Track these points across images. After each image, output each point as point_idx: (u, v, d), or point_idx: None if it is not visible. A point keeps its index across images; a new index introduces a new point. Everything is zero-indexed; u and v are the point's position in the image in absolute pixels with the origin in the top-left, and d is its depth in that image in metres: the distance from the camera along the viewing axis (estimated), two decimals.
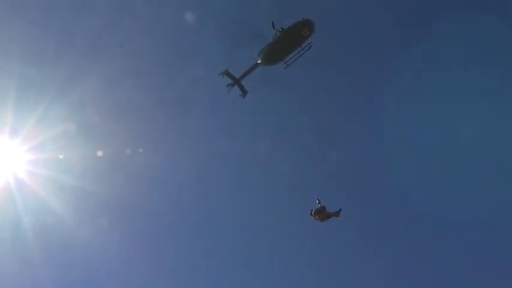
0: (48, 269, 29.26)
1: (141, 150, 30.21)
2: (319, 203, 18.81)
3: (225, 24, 27.86)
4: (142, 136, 30.42)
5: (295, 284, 30.43)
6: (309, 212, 18.90)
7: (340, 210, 18.81)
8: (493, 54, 30.49)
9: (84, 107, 29.03)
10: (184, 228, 32.09)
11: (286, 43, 23.06)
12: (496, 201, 28.55)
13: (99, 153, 29.41)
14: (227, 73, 23.76)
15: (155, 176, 30.29)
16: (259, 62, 23.85)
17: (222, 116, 30.79)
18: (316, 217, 18.80)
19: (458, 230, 29.17)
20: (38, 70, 27.69)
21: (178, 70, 30.45)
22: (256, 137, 31.35)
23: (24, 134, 27.47)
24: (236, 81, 23.82)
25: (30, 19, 28.31)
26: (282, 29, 23.31)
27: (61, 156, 28.71)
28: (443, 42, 30.30)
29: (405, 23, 31.20)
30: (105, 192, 29.50)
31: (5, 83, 26.67)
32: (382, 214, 31.22)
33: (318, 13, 23.58)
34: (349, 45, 29.92)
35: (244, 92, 23.90)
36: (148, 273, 30.70)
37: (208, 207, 31.30)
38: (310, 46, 23.26)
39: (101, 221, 29.90)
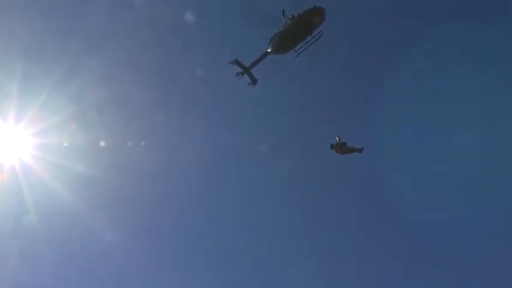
0: (51, 254, 29.46)
1: (143, 142, 30.35)
2: (339, 139, 19.69)
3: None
4: (146, 127, 30.61)
5: (295, 283, 30.76)
6: (330, 146, 19.91)
7: (363, 148, 19.80)
8: (493, 55, 30.46)
9: (89, 95, 28.83)
10: (187, 220, 32.42)
11: (297, 31, 22.54)
12: (496, 201, 28.86)
13: (103, 141, 29.59)
14: (236, 62, 23.21)
15: (158, 166, 30.44)
16: (269, 50, 23.30)
17: (224, 112, 30.94)
18: (338, 150, 19.78)
19: (457, 230, 29.46)
20: (43, 59, 27.64)
21: (184, 62, 30.38)
22: (259, 133, 31.66)
23: (28, 119, 27.45)
24: (246, 70, 23.32)
25: (33, 7, 28.12)
26: (292, 16, 22.79)
27: (65, 143, 28.74)
28: (444, 42, 30.27)
29: (405, 22, 31.12)
30: (108, 178, 29.73)
31: (10, 70, 26.44)
32: (381, 214, 31.61)
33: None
34: (348, 45, 29.75)
35: (254, 81, 23.36)
36: (149, 262, 31.11)
37: (211, 201, 31.62)
38: (322, 34, 22.71)
39: (104, 206, 30.16)
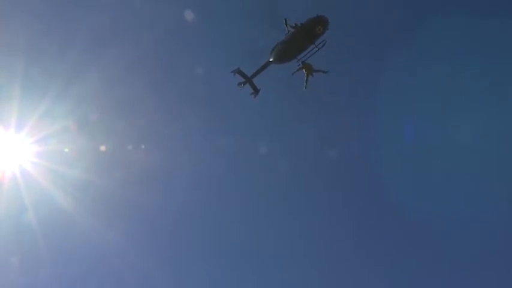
0: (53, 262, 29.71)
1: (143, 146, 30.37)
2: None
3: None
4: (147, 132, 30.59)
5: (294, 283, 30.85)
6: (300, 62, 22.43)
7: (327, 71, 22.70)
8: (493, 55, 30.18)
9: (90, 101, 28.81)
10: (187, 223, 32.50)
11: (300, 40, 22.24)
12: (496, 201, 28.85)
13: (103, 148, 29.56)
14: (239, 71, 23.07)
15: (159, 170, 30.50)
16: (271, 60, 23.06)
17: (224, 114, 30.76)
18: (304, 68, 22.44)
19: (457, 230, 29.44)
20: (44, 65, 27.41)
21: (184, 66, 30.05)
22: (258, 135, 31.52)
23: (29, 127, 27.38)
24: (248, 80, 23.20)
25: (34, 14, 27.75)
26: (295, 25, 22.42)
27: (66, 150, 28.67)
28: (443, 42, 30.04)
29: (404, 22, 30.68)
30: (108, 184, 29.79)
31: (11, 77, 26.29)
32: (380, 214, 31.69)
33: (315, 12, 22.81)
34: (347, 44, 29.34)
35: (256, 91, 23.29)
36: (149, 266, 31.11)
37: (211, 203, 31.55)
38: (324, 43, 22.40)
39: (104, 213, 30.18)
